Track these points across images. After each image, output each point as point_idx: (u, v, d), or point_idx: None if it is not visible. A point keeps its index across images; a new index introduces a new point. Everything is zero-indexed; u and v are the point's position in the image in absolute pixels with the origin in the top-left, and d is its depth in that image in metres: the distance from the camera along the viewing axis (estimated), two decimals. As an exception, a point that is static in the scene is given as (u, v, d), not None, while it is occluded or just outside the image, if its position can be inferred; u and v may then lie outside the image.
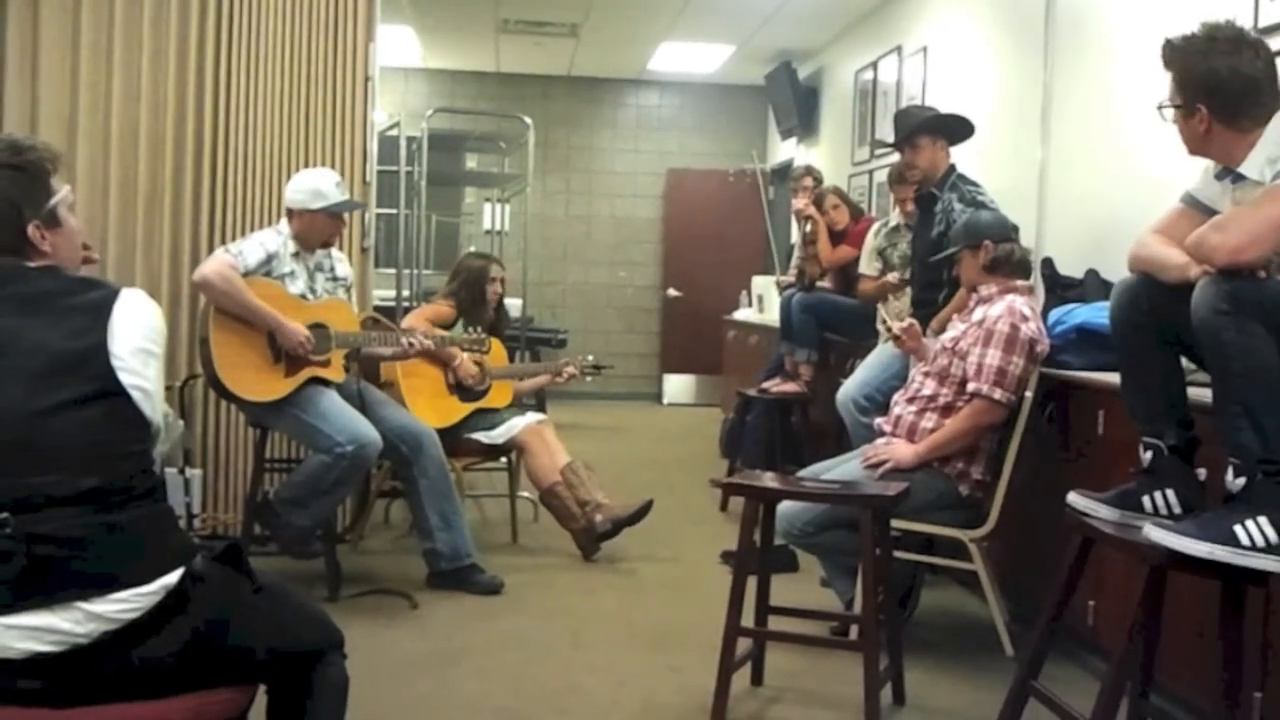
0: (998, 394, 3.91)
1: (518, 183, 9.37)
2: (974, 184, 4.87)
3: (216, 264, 4.35)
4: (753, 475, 4.10)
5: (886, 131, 7.61)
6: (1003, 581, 4.24)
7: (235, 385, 4.39)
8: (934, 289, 4.85)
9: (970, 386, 3.96)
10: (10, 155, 2.18)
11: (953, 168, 4.92)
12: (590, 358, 6.02)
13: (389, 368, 5.18)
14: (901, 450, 4.02)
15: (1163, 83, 2.78)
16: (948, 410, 4.03)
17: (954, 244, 4.27)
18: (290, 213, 4.56)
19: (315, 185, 4.55)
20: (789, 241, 8.22)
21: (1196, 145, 2.76)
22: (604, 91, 12.23)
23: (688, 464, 7.96)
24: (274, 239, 4.50)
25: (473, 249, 8.67)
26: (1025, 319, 3.98)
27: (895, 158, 7.87)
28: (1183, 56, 2.71)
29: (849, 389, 5.01)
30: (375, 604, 4.51)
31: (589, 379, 5.97)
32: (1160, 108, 2.77)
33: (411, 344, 4.77)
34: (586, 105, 12.22)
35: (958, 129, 5.04)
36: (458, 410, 5.36)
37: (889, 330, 4.41)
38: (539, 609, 4.54)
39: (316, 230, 4.56)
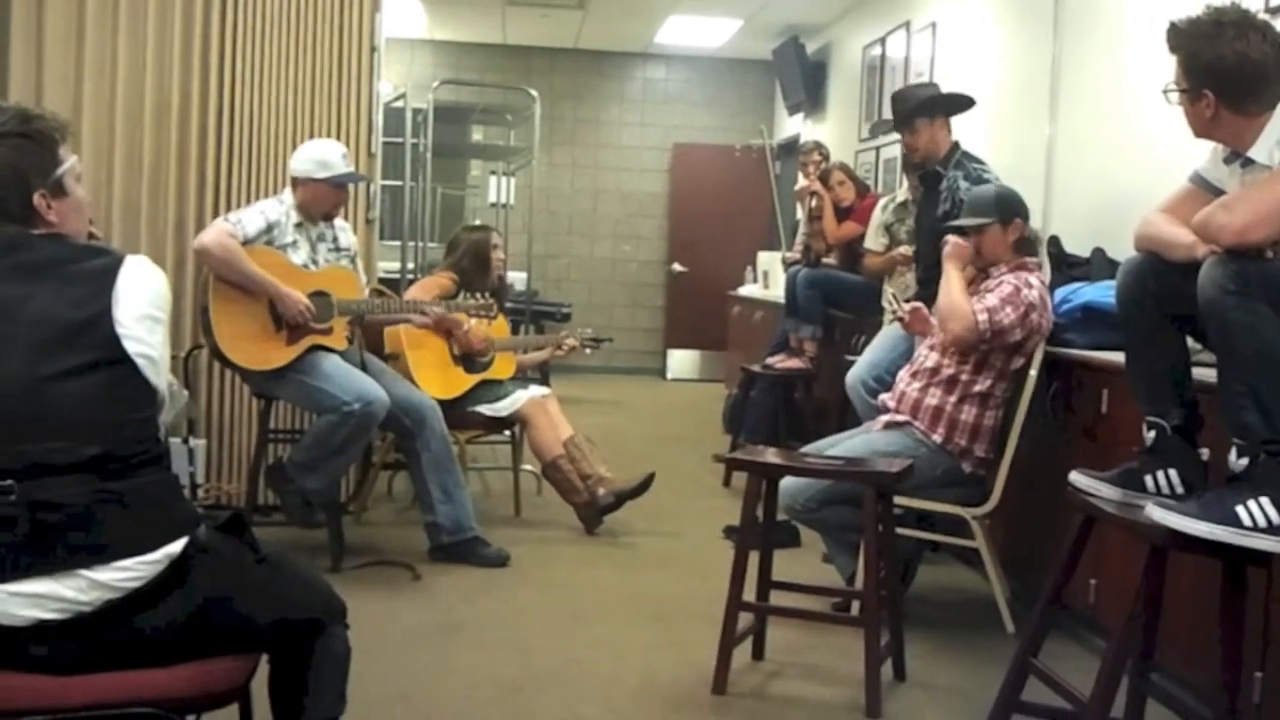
0: (983, 317, 3.91)
1: (523, 155, 9.35)
2: (979, 161, 4.84)
3: (215, 233, 4.35)
4: (756, 451, 4.10)
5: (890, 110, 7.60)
6: (1004, 559, 4.25)
7: (236, 354, 4.39)
8: (939, 267, 4.83)
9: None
10: (19, 124, 2.18)
11: (956, 145, 4.89)
12: (589, 330, 6.02)
13: (394, 340, 5.19)
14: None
15: (1173, 61, 2.76)
16: (951, 384, 4.03)
17: (983, 215, 4.16)
18: (295, 182, 4.56)
19: (321, 155, 4.54)
20: (795, 217, 8.22)
21: (1203, 129, 2.74)
22: (611, 65, 12.19)
23: (691, 439, 7.96)
24: (275, 208, 4.50)
25: (476, 222, 8.63)
26: (1030, 285, 3.98)
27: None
28: (1188, 41, 2.68)
29: (858, 371, 4.99)
30: (378, 575, 4.52)
31: (589, 351, 5.97)
32: (1166, 92, 2.75)
33: (434, 315, 4.76)
34: (593, 78, 12.18)
35: (955, 105, 5.01)
36: (463, 381, 5.36)
37: (894, 313, 4.39)
38: (541, 582, 4.55)
39: (320, 200, 4.55)
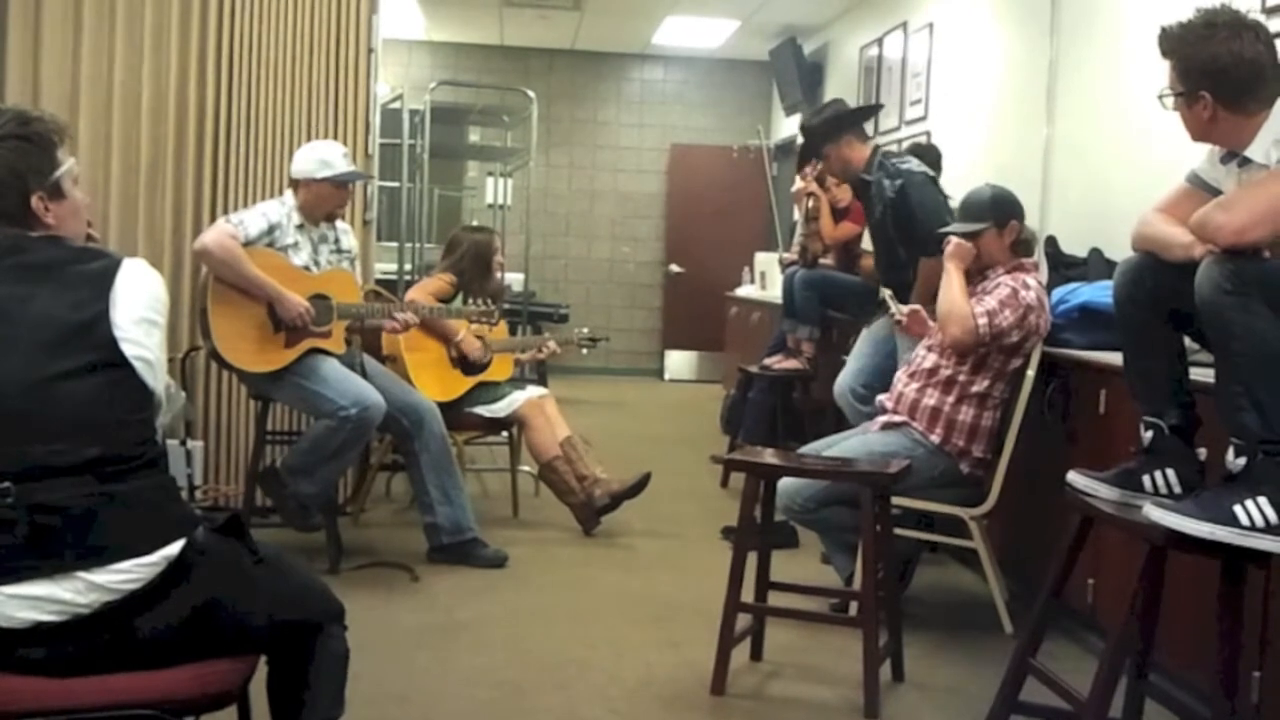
0: (982, 320, 3.90)
1: (521, 157, 9.35)
2: (897, 155, 4.86)
3: (216, 234, 4.34)
4: (754, 451, 4.11)
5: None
6: (1002, 559, 4.25)
7: (234, 356, 4.39)
8: (900, 270, 4.82)
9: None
10: (17, 126, 2.18)
11: (876, 149, 4.90)
12: (585, 330, 6.03)
13: (392, 342, 5.19)
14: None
15: (1166, 66, 2.75)
16: (949, 384, 4.03)
17: (973, 219, 4.14)
18: (296, 184, 4.55)
19: (322, 155, 4.55)
20: (792, 218, 8.23)
21: (1201, 132, 2.73)
22: (608, 65, 12.19)
23: (689, 440, 7.96)
24: (277, 209, 4.49)
25: (473, 223, 8.64)
26: (1027, 286, 3.98)
27: (904, 133, 7.88)
28: (1182, 44, 2.68)
29: (844, 380, 5.00)
30: (376, 577, 4.52)
31: (585, 351, 5.98)
32: (1161, 97, 2.74)
33: (401, 320, 4.74)
34: (590, 79, 12.18)
35: (857, 117, 5.03)
36: (461, 384, 5.37)
37: (892, 315, 4.38)
38: (539, 583, 4.55)
39: (323, 200, 4.55)
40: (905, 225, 4.66)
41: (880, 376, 4.79)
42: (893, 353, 4.76)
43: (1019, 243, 4.12)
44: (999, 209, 4.11)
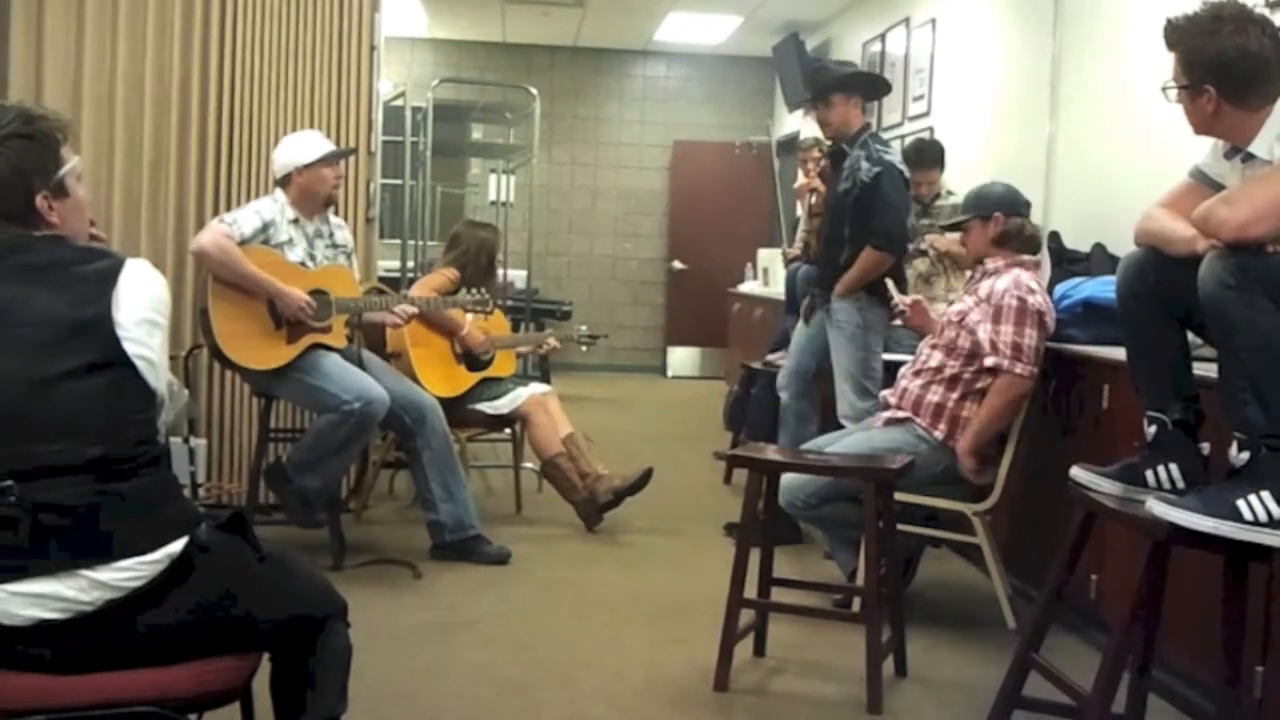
0: (1019, 368, 3.90)
1: (523, 154, 9.35)
2: (884, 143, 4.88)
3: (212, 234, 4.34)
4: (757, 448, 4.11)
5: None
6: (1005, 555, 4.25)
7: (236, 354, 4.39)
8: (837, 246, 4.83)
9: (989, 361, 3.93)
10: (21, 124, 2.17)
11: (867, 125, 4.92)
12: (584, 327, 6.03)
13: (397, 338, 5.19)
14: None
15: (1171, 58, 2.75)
16: (954, 382, 4.03)
17: (963, 212, 4.22)
18: (286, 179, 4.54)
19: (304, 140, 4.59)
20: (795, 214, 8.23)
21: (1204, 125, 2.73)
22: (611, 62, 12.19)
23: (692, 436, 7.96)
24: (270, 207, 4.49)
25: (475, 217, 8.64)
26: (1032, 291, 3.97)
27: (907, 129, 7.86)
28: (1187, 37, 2.67)
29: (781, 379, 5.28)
30: (379, 574, 4.52)
31: (585, 349, 5.99)
32: (1165, 89, 2.74)
33: (400, 314, 4.76)
34: (593, 76, 12.18)
35: (872, 86, 5.05)
36: (466, 379, 5.37)
37: (895, 307, 4.38)
38: (542, 580, 4.55)
39: (320, 182, 4.54)
40: (865, 211, 4.69)
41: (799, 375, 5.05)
42: (815, 352, 4.94)
43: (1011, 236, 4.11)
44: (981, 203, 4.18)
